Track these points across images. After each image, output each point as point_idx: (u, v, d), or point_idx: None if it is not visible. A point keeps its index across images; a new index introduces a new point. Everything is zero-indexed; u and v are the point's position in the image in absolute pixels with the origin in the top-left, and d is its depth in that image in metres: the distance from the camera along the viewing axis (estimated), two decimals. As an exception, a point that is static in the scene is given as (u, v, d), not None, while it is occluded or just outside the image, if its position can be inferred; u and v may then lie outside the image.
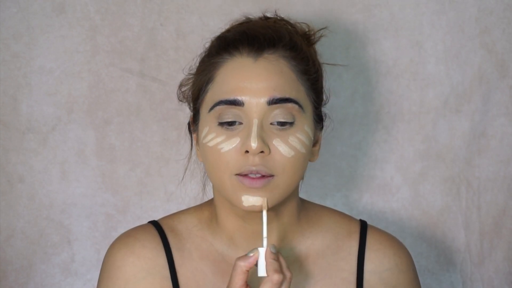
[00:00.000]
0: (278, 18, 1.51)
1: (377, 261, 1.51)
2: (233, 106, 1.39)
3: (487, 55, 1.83)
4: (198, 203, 1.60)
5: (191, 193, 1.79)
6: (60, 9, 1.80)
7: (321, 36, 1.52)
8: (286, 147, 1.39)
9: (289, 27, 1.49)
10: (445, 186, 1.86)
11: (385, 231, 1.57)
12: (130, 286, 1.46)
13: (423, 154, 1.85)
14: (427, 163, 1.85)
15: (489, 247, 1.86)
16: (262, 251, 1.35)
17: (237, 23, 1.52)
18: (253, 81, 1.40)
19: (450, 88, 1.84)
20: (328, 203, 1.84)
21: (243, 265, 1.35)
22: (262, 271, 1.35)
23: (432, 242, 1.86)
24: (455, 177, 1.86)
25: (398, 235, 1.76)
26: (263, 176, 1.39)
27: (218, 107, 1.40)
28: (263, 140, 1.38)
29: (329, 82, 1.56)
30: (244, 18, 1.53)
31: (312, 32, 1.51)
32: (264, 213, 1.38)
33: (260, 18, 1.52)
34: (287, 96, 1.40)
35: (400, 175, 1.86)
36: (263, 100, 1.39)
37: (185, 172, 1.63)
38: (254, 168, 1.38)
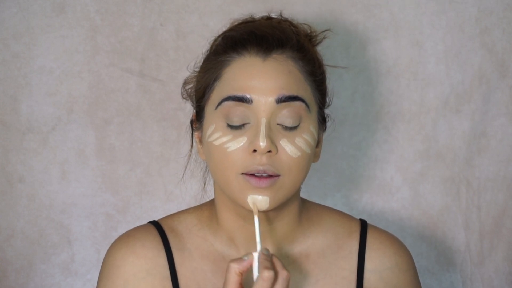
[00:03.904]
0: (282, 18, 1.50)
1: (378, 260, 1.51)
2: (241, 104, 1.39)
3: (487, 55, 1.83)
4: (198, 202, 1.60)
5: (191, 192, 1.79)
6: (60, 9, 1.80)
7: (324, 38, 1.52)
8: (292, 148, 1.39)
9: (293, 28, 1.49)
10: (445, 186, 1.86)
11: (385, 230, 1.57)
12: (130, 286, 1.46)
13: (423, 154, 1.85)
14: (427, 163, 1.86)
15: (489, 247, 1.86)
16: (256, 255, 1.35)
17: (240, 21, 1.51)
18: (261, 80, 1.40)
19: (450, 88, 1.84)
20: (328, 203, 1.84)
21: (236, 267, 1.33)
22: (256, 275, 1.34)
23: (432, 242, 1.86)
24: (455, 177, 1.86)
25: (398, 235, 1.76)
26: (269, 176, 1.39)
27: (225, 103, 1.40)
28: (271, 139, 1.38)
29: (329, 82, 1.56)
30: (247, 17, 1.52)
31: (314, 34, 1.51)
32: (256, 218, 1.37)
33: (263, 18, 1.52)
34: (295, 94, 1.40)
35: (400, 175, 1.86)
36: (272, 98, 1.39)
37: (185, 170, 1.63)
38: (261, 168, 1.38)
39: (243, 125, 1.39)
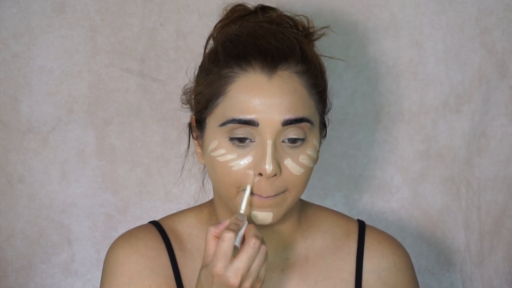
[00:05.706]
0: (278, 12, 1.49)
1: (376, 260, 1.51)
2: (247, 126, 1.38)
3: (487, 55, 1.83)
4: (198, 202, 1.60)
5: (191, 192, 1.79)
6: (60, 9, 1.80)
7: (322, 35, 1.51)
8: (297, 167, 1.39)
9: (291, 22, 1.47)
10: (445, 186, 1.86)
11: (383, 231, 1.57)
12: (135, 282, 1.45)
13: (423, 154, 1.85)
14: (427, 163, 1.86)
15: (489, 247, 1.86)
16: (240, 217, 1.34)
17: (232, 9, 1.49)
18: (267, 102, 1.38)
19: (450, 88, 1.84)
20: (328, 203, 1.84)
21: (213, 230, 1.33)
22: (237, 240, 1.33)
23: (432, 242, 1.86)
24: (455, 177, 1.86)
25: (398, 235, 1.77)
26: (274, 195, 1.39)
27: (230, 125, 1.39)
28: (277, 161, 1.38)
29: (329, 83, 1.56)
30: (239, 3, 1.51)
31: (312, 30, 1.49)
32: (248, 188, 1.37)
33: (257, 7, 1.49)
34: (301, 116, 1.39)
35: (400, 175, 1.86)
36: (278, 120, 1.37)
37: (182, 168, 1.63)
38: (265, 194, 1.38)
39: (247, 143, 1.39)
